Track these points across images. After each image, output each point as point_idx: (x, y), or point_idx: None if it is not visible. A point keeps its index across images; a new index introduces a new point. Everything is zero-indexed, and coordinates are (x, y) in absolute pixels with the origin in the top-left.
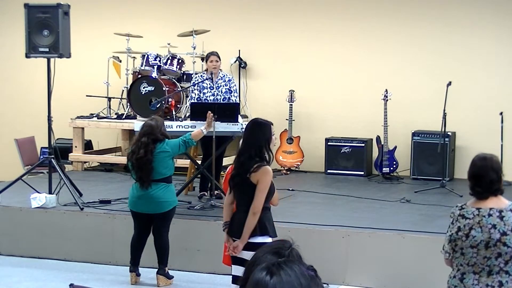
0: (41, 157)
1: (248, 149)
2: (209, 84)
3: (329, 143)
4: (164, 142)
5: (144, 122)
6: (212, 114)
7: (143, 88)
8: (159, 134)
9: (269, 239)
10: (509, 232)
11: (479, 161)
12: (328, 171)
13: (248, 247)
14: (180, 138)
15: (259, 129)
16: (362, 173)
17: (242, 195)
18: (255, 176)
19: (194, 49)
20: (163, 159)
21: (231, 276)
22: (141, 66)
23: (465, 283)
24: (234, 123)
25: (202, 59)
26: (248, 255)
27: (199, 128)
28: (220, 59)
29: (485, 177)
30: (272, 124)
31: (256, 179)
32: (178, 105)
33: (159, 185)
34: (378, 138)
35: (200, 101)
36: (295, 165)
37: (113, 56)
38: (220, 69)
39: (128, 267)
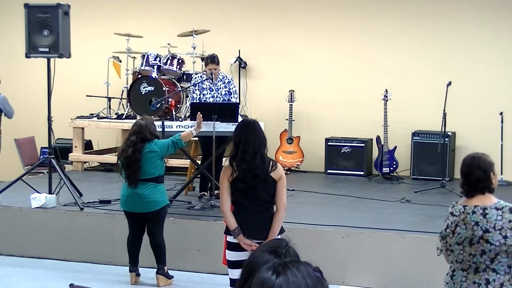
0: (41, 157)
1: (259, 149)
2: (209, 85)
3: (329, 143)
4: (153, 142)
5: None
6: (201, 115)
7: (143, 88)
8: (148, 133)
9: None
10: (492, 230)
11: (468, 159)
12: (328, 171)
13: None
14: (170, 139)
15: (260, 129)
16: (362, 173)
17: (261, 195)
18: (276, 173)
19: (194, 49)
20: (151, 159)
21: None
22: (141, 66)
23: (455, 279)
24: (234, 123)
25: (202, 59)
26: None
27: (189, 129)
28: (219, 63)
29: (472, 175)
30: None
31: (278, 176)
32: (178, 105)
33: (147, 184)
34: (378, 138)
35: (200, 101)
36: (295, 165)
37: (113, 56)
38: (219, 71)
39: (128, 267)
